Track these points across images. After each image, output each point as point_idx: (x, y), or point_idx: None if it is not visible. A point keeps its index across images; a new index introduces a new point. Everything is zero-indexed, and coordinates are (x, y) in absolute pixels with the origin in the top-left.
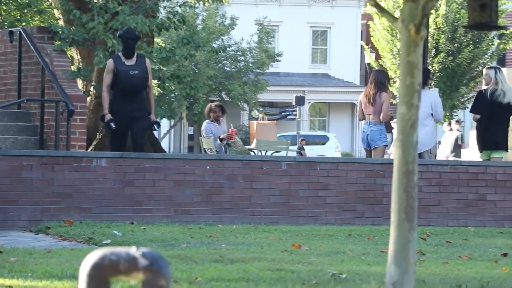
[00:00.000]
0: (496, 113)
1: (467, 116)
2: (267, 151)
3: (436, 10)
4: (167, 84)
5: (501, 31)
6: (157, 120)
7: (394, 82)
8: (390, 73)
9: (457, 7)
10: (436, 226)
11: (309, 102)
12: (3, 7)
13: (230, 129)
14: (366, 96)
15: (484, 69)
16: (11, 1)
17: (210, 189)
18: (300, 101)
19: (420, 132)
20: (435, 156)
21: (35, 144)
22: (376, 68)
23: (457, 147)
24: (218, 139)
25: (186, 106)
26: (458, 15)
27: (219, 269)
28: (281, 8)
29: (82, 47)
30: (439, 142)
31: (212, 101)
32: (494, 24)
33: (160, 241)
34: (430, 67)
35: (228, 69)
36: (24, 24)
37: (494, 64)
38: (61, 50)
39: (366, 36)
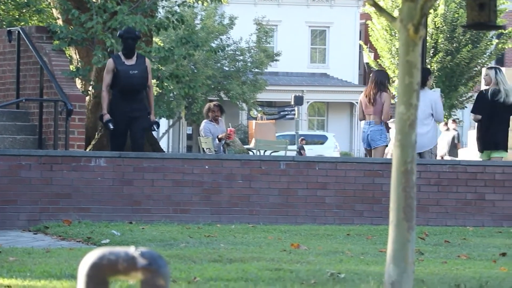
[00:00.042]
0: (497, 113)
1: (466, 115)
2: (265, 150)
3: (435, 10)
4: (165, 84)
5: (500, 30)
6: (157, 120)
7: (393, 82)
8: (389, 73)
9: (455, 7)
10: (435, 226)
11: (307, 102)
12: (2, 6)
13: (228, 128)
14: (366, 96)
15: (485, 69)
16: (9, 1)
17: (209, 188)
18: (299, 100)
19: (421, 132)
20: (436, 156)
21: (34, 144)
22: (375, 67)
23: (453, 146)
24: (217, 139)
25: (185, 105)
26: (456, 15)
27: (218, 269)
28: (279, 7)
29: (81, 46)
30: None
31: (211, 100)
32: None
33: (158, 240)
34: (428, 66)
35: (227, 68)
36: (22, 23)
37: (492, 63)
38: (59, 50)
39: (364, 35)
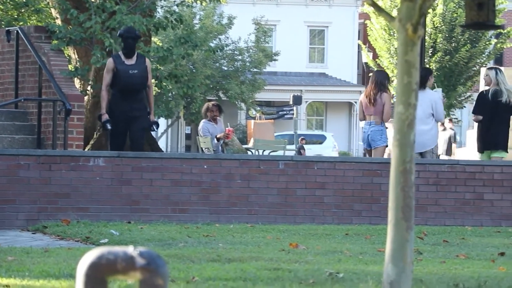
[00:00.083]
0: (497, 114)
1: (464, 115)
2: (264, 150)
3: (434, 9)
4: (164, 84)
5: (498, 30)
6: (156, 120)
7: (392, 82)
8: (388, 72)
9: (454, 6)
10: (434, 225)
11: (306, 102)
12: (0, 6)
13: (227, 128)
14: (366, 97)
15: (485, 70)
16: (8, 0)
17: (208, 188)
18: (298, 100)
19: (422, 132)
20: (437, 155)
21: (33, 144)
22: (374, 67)
23: (450, 146)
24: (215, 139)
25: (184, 105)
26: (455, 14)
27: (217, 269)
28: (278, 7)
29: (80, 46)
30: None
31: (210, 100)
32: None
33: (157, 240)
34: (427, 66)
35: (226, 68)
36: (21, 23)
37: (491, 63)
38: (58, 50)
39: (363, 35)
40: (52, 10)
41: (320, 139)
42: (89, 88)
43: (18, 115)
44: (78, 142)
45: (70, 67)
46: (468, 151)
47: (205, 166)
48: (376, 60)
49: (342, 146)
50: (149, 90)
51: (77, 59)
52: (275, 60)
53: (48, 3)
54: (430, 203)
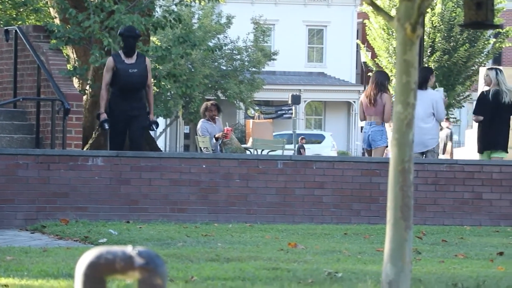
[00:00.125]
0: (498, 114)
1: (463, 115)
2: (263, 150)
3: (432, 9)
4: (163, 83)
5: (497, 29)
6: (156, 119)
7: (391, 81)
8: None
9: (453, 6)
10: (432, 225)
11: (305, 101)
12: None
13: (225, 128)
14: (367, 97)
15: (485, 70)
16: (6, 0)
17: (206, 188)
18: (296, 99)
19: (423, 132)
20: (438, 155)
21: (31, 143)
22: (372, 66)
23: (446, 145)
24: (214, 138)
25: (182, 105)
26: (454, 14)
27: (215, 268)
28: (277, 6)
29: (78, 45)
30: None
31: (208, 100)
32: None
33: (156, 240)
34: (426, 66)
35: (224, 67)
36: (20, 22)
37: (490, 62)
38: (57, 49)
39: (362, 34)
40: (51, 9)
41: (319, 139)
42: (87, 87)
43: (17, 114)
44: (77, 141)
45: (69, 66)
46: (467, 150)
47: (204, 166)
48: (375, 59)
49: (341, 145)
50: (149, 89)
51: (76, 58)
52: (273, 59)
53: (47, 2)
54: (429, 203)
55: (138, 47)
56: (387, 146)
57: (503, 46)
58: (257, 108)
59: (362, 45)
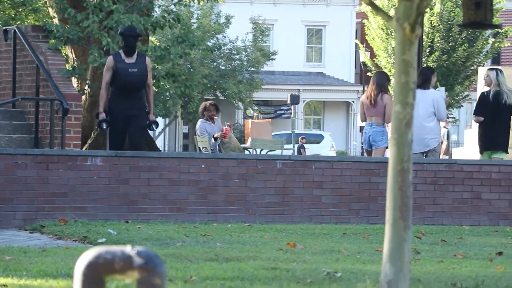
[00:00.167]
0: (499, 115)
1: (462, 114)
2: (262, 149)
3: (431, 9)
4: (162, 83)
5: (496, 29)
6: (155, 119)
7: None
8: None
9: (452, 6)
10: (431, 225)
11: (304, 101)
12: None
13: (224, 128)
14: (367, 98)
15: (486, 70)
16: (5, 0)
17: (205, 187)
18: (295, 99)
19: (424, 131)
20: (439, 154)
21: (30, 143)
22: (371, 66)
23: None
24: (213, 138)
25: (181, 104)
26: (453, 14)
27: (214, 268)
28: (275, 6)
29: (77, 45)
30: None
31: (207, 99)
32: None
33: (155, 239)
34: (425, 65)
35: (223, 67)
36: (18, 22)
37: (489, 62)
38: (55, 49)
39: (361, 34)
40: (50, 9)
41: (318, 139)
42: (86, 87)
43: (16, 114)
44: (76, 141)
45: (68, 66)
46: (466, 150)
47: (203, 166)
48: (374, 59)
49: (340, 145)
50: (149, 89)
51: (75, 58)
52: (272, 59)
53: (46, 2)
54: (427, 203)
55: (137, 47)
56: (387, 147)
57: (502, 46)
58: (256, 108)
59: (361, 45)
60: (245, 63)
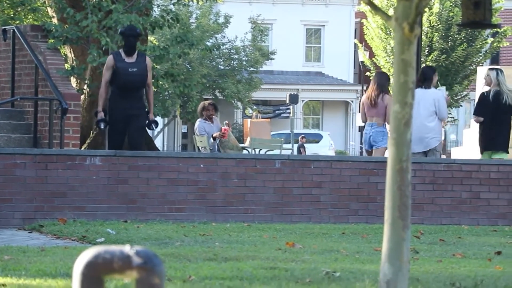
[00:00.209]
0: (499, 115)
1: (461, 114)
2: (260, 149)
3: (430, 8)
4: (160, 82)
5: (495, 29)
6: (155, 119)
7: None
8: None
9: (450, 5)
10: (430, 224)
11: (302, 100)
12: None
13: (223, 127)
14: (368, 99)
15: (486, 70)
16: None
17: (204, 187)
18: (294, 99)
19: (425, 131)
20: (440, 154)
21: (29, 143)
22: (370, 66)
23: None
24: (212, 138)
25: (180, 104)
26: (451, 13)
27: (213, 268)
28: (274, 6)
29: (76, 45)
30: None
31: (206, 99)
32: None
33: (154, 239)
34: (423, 65)
35: (222, 67)
36: (17, 22)
37: (487, 62)
38: (54, 49)
39: (359, 34)
40: (49, 9)
41: (317, 138)
42: (85, 87)
43: (15, 114)
44: (75, 141)
45: (67, 66)
46: (465, 150)
47: (202, 165)
48: (373, 59)
49: (339, 145)
50: (149, 88)
51: (74, 58)
52: (271, 59)
53: (45, 2)
54: (426, 202)
55: (136, 46)
56: (387, 148)
57: (501, 46)
58: (255, 107)
59: (360, 45)
60: (244, 63)
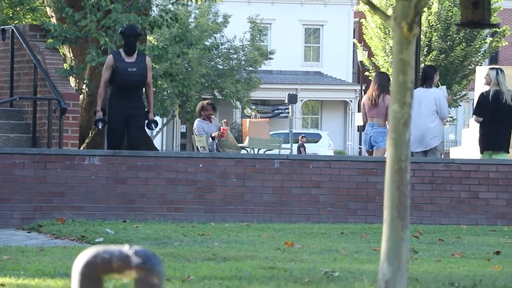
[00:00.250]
0: (498, 115)
1: (460, 114)
2: (259, 149)
3: (429, 8)
4: (159, 82)
5: (494, 29)
6: (155, 118)
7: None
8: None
9: (449, 5)
10: (429, 224)
11: (301, 100)
12: None
13: (221, 127)
14: (369, 99)
15: (487, 69)
16: None
17: (203, 187)
18: (293, 99)
19: (426, 130)
20: (441, 153)
21: (28, 142)
22: (369, 65)
23: None
24: (210, 138)
25: (179, 104)
26: (450, 13)
27: (212, 267)
28: (273, 6)
29: (75, 45)
30: None
31: (205, 99)
32: (487, 22)
33: (152, 239)
34: (422, 65)
35: (221, 67)
36: (16, 22)
37: (486, 62)
38: (53, 48)
39: (358, 34)
40: (47, 8)
41: (316, 138)
42: (84, 86)
43: (13, 113)
44: (73, 140)
45: (65, 65)
46: (464, 150)
47: (201, 165)
48: (372, 58)
49: (338, 144)
50: (149, 88)
51: (72, 57)
52: (270, 58)
53: (43, 1)
54: (425, 202)
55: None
56: None
57: (500, 45)
58: (253, 107)
59: (358, 44)
60: (243, 63)
